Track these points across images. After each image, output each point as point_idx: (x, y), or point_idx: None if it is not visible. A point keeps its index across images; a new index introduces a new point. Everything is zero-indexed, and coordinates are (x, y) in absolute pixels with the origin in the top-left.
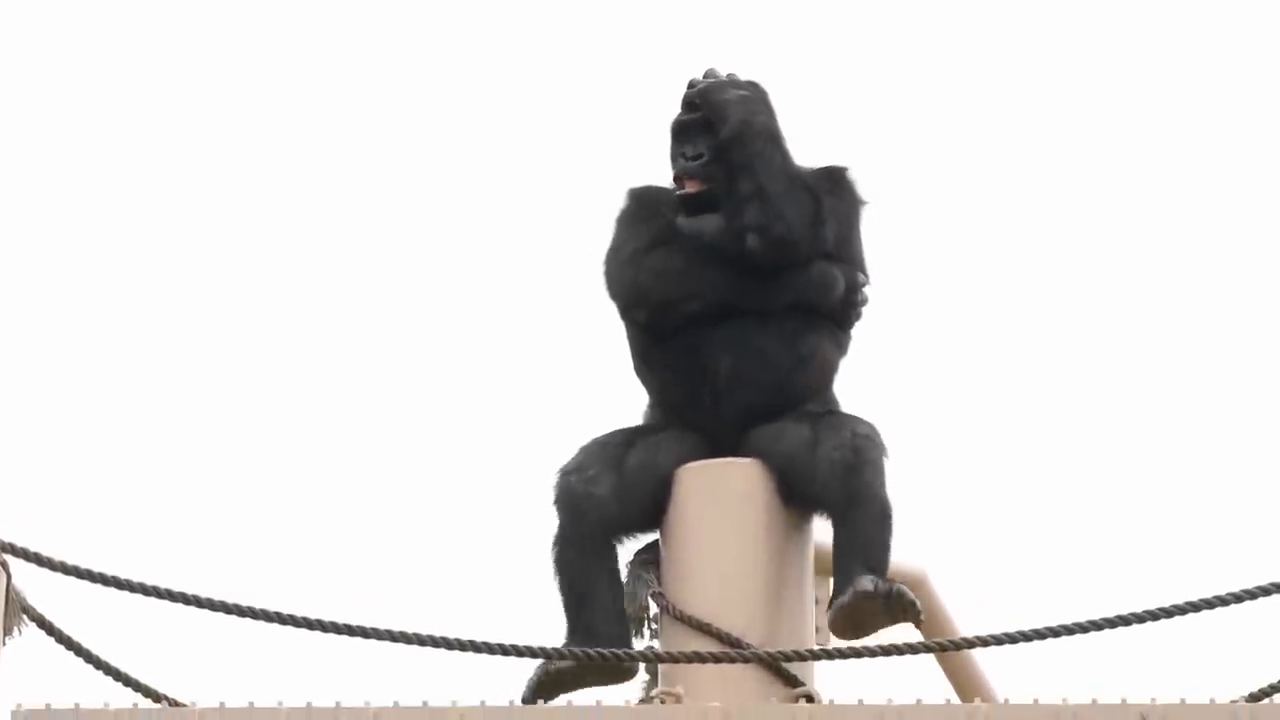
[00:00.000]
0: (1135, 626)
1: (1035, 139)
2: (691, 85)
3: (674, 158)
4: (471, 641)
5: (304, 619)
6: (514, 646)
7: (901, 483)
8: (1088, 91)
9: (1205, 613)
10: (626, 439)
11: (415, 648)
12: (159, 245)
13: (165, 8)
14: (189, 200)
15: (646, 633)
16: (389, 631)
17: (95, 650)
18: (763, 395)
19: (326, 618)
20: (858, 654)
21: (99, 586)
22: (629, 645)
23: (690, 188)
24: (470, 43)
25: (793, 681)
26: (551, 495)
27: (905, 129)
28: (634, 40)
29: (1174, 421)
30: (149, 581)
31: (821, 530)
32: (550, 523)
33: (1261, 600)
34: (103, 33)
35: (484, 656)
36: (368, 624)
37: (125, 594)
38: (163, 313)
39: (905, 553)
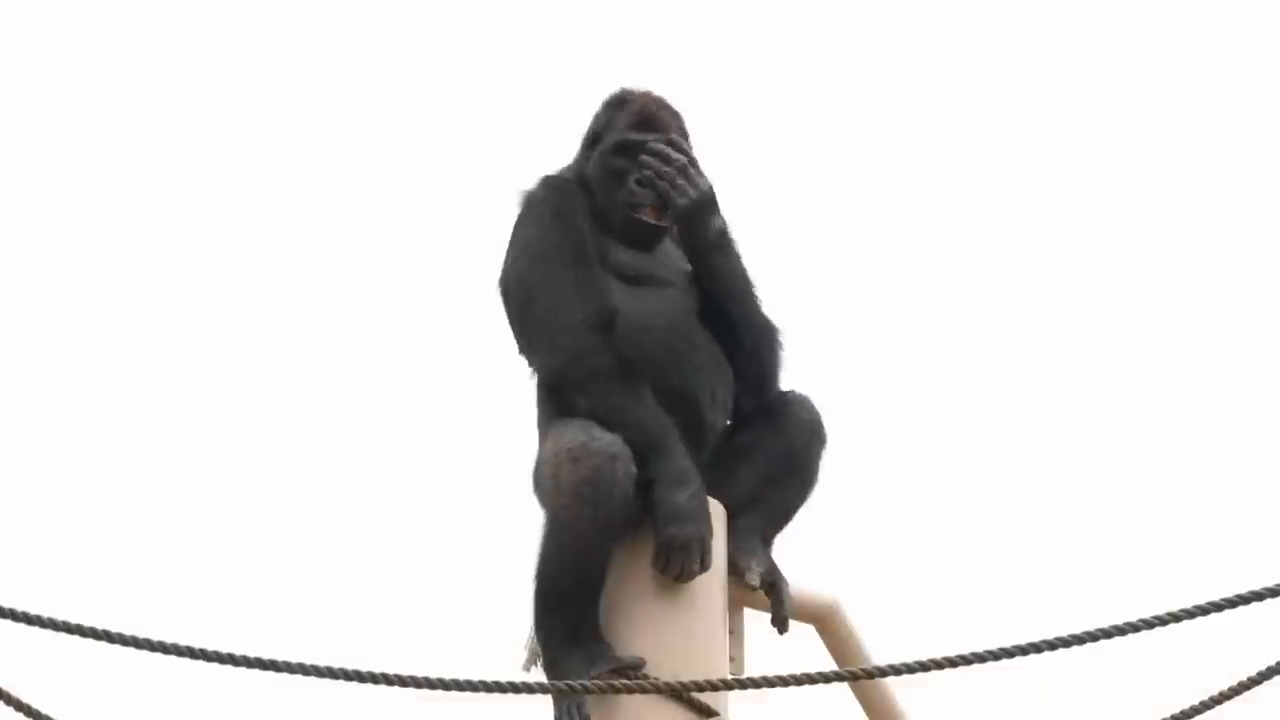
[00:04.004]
0: (1047, 654)
1: (1017, 130)
2: (646, 142)
3: (618, 174)
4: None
5: (256, 659)
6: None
7: (816, 510)
8: (1074, 81)
9: (1117, 639)
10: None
11: (384, 688)
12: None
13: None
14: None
15: None
16: (357, 672)
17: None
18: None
19: (280, 658)
20: (770, 684)
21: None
22: None
23: (651, 218)
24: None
25: (706, 711)
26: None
27: (890, 121)
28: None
29: (1085, 449)
30: (87, 623)
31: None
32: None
33: (1172, 626)
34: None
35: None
36: (336, 665)
37: (60, 636)
38: (99, 335)
39: (818, 581)
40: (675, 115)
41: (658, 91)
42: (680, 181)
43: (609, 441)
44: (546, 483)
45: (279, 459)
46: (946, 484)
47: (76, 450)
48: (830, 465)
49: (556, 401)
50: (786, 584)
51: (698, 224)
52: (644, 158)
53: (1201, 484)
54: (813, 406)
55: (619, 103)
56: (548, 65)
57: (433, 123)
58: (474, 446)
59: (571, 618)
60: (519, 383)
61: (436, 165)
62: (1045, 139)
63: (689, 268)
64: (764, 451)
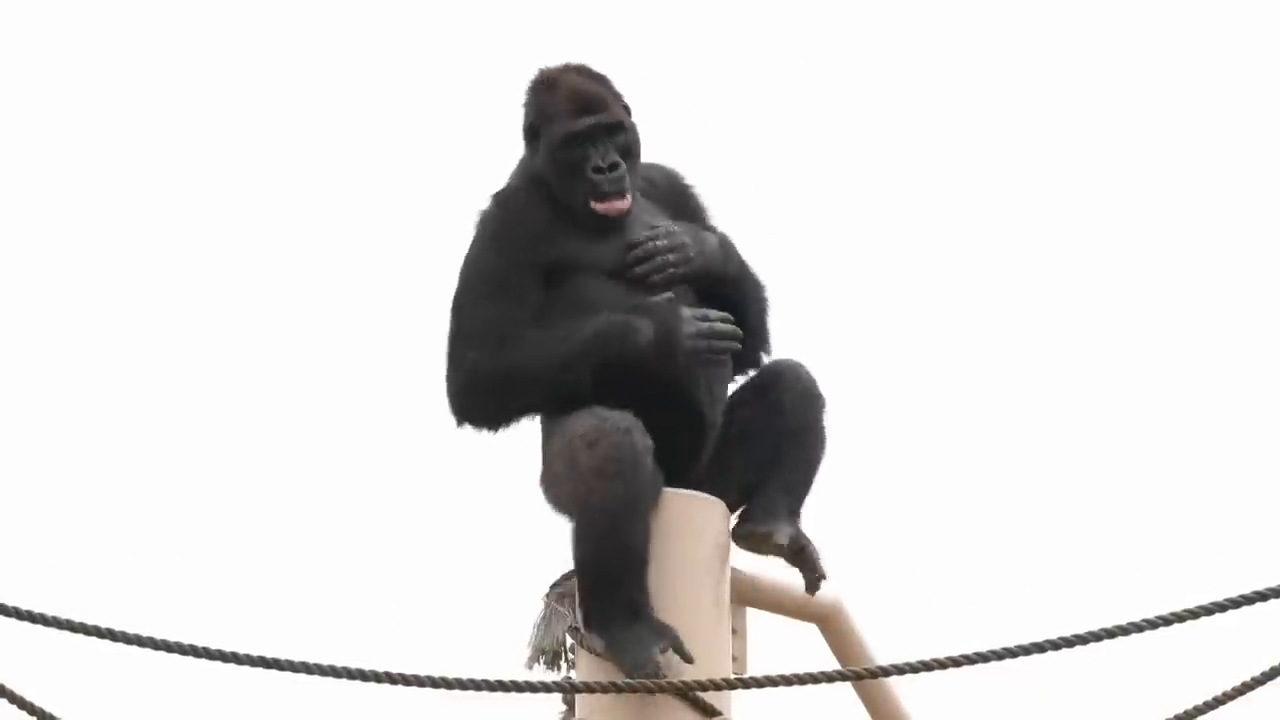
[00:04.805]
0: (1050, 654)
1: (1020, 124)
2: (590, 129)
3: (571, 167)
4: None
5: (258, 658)
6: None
7: (818, 509)
8: (1074, 77)
9: (1119, 639)
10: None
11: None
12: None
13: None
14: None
15: (564, 664)
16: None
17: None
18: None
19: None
20: (774, 683)
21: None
22: None
23: (618, 205)
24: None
25: (709, 710)
26: (602, 455)
27: (891, 112)
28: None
29: (1088, 449)
30: (91, 622)
31: (737, 558)
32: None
33: (1174, 627)
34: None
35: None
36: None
37: (64, 635)
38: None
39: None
40: (605, 84)
41: (576, 62)
42: (676, 258)
43: (619, 417)
44: (565, 472)
45: (285, 458)
46: (949, 484)
47: (80, 449)
48: (833, 465)
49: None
50: (814, 546)
51: (713, 271)
52: (635, 255)
53: (1203, 485)
54: (804, 372)
55: (546, 86)
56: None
57: (434, 128)
58: (477, 447)
59: (626, 596)
60: None
61: (441, 165)
62: (1047, 134)
63: None
64: (763, 430)
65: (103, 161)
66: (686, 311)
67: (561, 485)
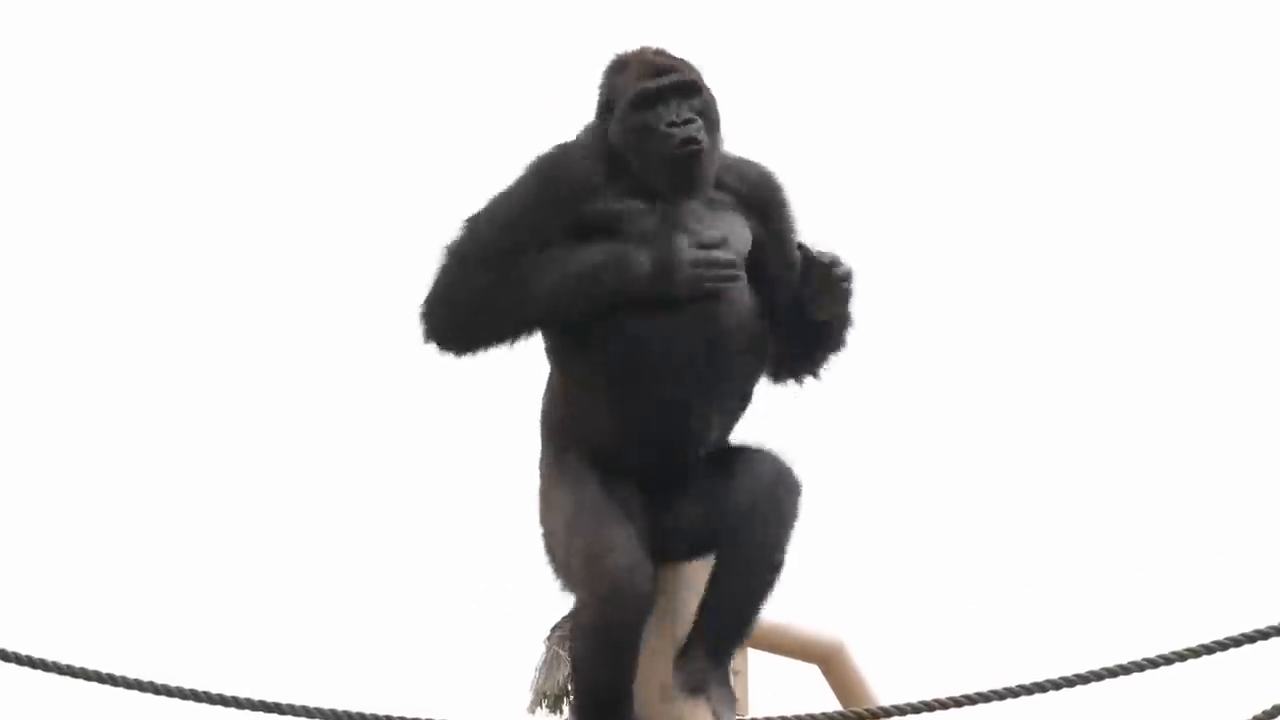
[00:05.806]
0: (1051, 693)
1: (1019, 129)
2: (662, 87)
3: (647, 126)
4: None
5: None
6: None
7: (821, 550)
8: (1077, 84)
9: (1121, 678)
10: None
11: None
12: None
13: None
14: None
15: (565, 708)
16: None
17: None
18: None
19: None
20: None
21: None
22: None
23: (694, 148)
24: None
25: None
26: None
27: (887, 114)
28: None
29: (1092, 491)
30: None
31: None
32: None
33: (1177, 665)
34: None
35: None
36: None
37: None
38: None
39: (823, 621)
40: (679, 59)
41: (656, 45)
42: (726, 274)
43: (621, 545)
44: (564, 564)
45: (281, 497)
46: (952, 524)
47: (72, 488)
48: (835, 507)
49: (558, 420)
50: (724, 695)
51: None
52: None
53: (1207, 525)
54: (766, 473)
55: (621, 65)
56: (539, 50)
57: (445, 124)
58: (475, 487)
59: (612, 708)
60: (519, 411)
61: (444, 164)
62: (1046, 138)
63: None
64: (707, 526)
65: (99, 161)
66: (684, 240)
67: (557, 573)
